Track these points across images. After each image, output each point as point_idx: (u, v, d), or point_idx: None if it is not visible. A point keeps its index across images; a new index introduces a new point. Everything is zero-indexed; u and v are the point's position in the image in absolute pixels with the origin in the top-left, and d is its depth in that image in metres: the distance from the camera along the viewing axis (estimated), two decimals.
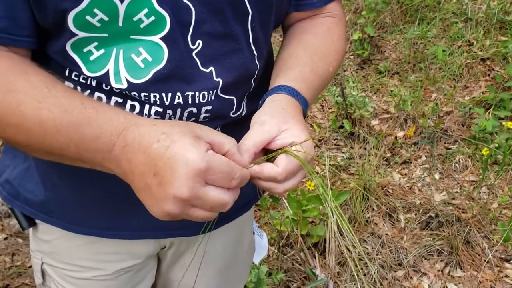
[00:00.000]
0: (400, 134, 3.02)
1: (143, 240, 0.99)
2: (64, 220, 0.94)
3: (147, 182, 0.64)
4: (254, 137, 0.74)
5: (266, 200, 2.27)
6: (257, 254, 1.27)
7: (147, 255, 1.03)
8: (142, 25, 0.75)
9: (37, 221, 0.99)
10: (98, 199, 0.91)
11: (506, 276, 2.17)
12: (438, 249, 2.28)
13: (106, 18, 0.73)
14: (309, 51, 0.91)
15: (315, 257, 2.20)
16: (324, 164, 2.66)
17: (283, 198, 2.34)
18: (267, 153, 0.78)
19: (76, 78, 0.79)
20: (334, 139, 3.03)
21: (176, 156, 0.63)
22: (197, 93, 0.81)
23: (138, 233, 0.95)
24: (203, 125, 0.70)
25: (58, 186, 0.91)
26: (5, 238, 2.38)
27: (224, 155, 0.68)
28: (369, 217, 2.44)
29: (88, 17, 0.72)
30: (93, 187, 0.90)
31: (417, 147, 2.91)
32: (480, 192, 2.56)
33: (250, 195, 1.07)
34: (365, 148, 2.90)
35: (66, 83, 0.79)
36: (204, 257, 1.10)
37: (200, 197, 0.64)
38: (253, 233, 1.25)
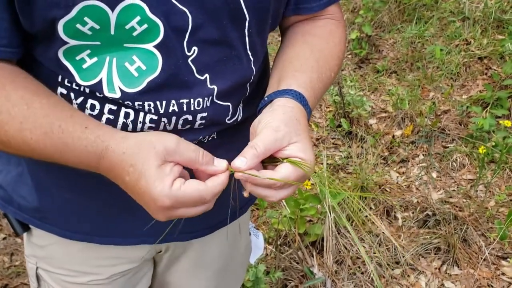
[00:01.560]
0: (398, 133, 3.03)
1: (139, 245, 0.98)
2: (58, 226, 0.94)
3: (135, 198, 0.72)
4: (267, 143, 0.72)
5: None
6: (253, 254, 1.27)
7: (142, 259, 1.03)
8: (135, 33, 0.73)
9: (31, 226, 0.98)
10: (92, 207, 0.91)
11: (503, 274, 2.18)
12: (435, 247, 2.29)
13: (97, 27, 0.72)
14: (314, 54, 0.89)
15: (312, 256, 2.21)
16: (322, 163, 2.67)
17: None
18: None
19: (69, 85, 0.78)
20: (332, 138, 3.04)
21: (144, 193, 0.68)
22: (192, 100, 0.80)
23: (133, 240, 0.95)
24: (171, 136, 0.71)
25: (52, 193, 0.91)
26: (4, 238, 2.38)
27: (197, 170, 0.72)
28: (366, 216, 2.45)
29: (78, 26, 0.71)
30: (88, 195, 0.89)
31: (415, 146, 2.92)
32: (477, 191, 2.57)
33: (245, 198, 1.07)
34: (362, 147, 2.91)
35: (59, 89, 0.79)
36: (200, 260, 1.09)
37: (177, 216, 0.71)
38: (249, 233, 1.26)
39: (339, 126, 3.04)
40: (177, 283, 1.12)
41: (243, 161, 0.71)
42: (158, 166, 0.67)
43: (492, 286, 2.13)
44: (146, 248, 1.01)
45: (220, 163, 0.73)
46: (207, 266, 1.12)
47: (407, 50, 3.59)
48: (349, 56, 3.74)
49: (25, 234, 1.01)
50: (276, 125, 0.74)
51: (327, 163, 2.78)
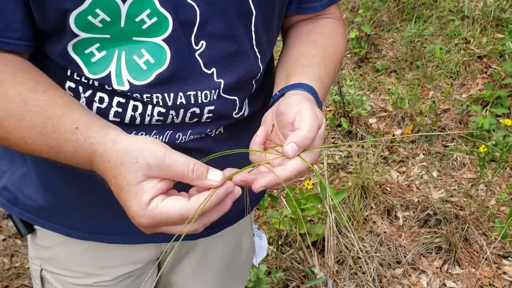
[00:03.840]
0: (398, 132, 3.03)
1: (144, 244, 0.98)
2: (64, 225, 0.94)
3: None
4: (313, 128, 0.72)
5: (265, 199, 2.27)
6: (257, 255, 1.27)
7: (147, 260, 1.02)
8: (144, 26, 0.74)
9: (36, 227, 0.98)
10: (98, 203, 0.91)
11: (504, 273, 2.18)
12: (436, 247, 2.29)
13: (108, 19, 0.72)
14: (320, 51, 0.90)
15: (314, 256, 2.20)
16: (322, 163, 2.66)
17: (281, 197, 2.34)
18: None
19: (78, 79, 0.78)
20: (332, 138, 3.04)
21: (124, 206, 0.66)
22: (199, 92, 0.80)
23: (140, 238, 0.95)
24: (157, 148, 0.65)
25: (60, 191, 0.91)
26: (4, 240, 2.38)
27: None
28: (367, 215, 2.45)
29: (90, 17, 0.71)
30: (95, 192, 0.89)
31: (415, 145, 2.92)
32: (478, 190, 2.57)
33: (250, 198, 1.07)
34: (363, 146, 2.90)
35: (68, 83, 0.79)
36: (204, 261, 1.09)
37: (162, 232, 0.66)
38: (253, 234, 1.25)
39: (339, 125, 3.04)
40: (181, 283, 1.12)
41: (294, 149, 0.70)
42: (138, 183, 0.63)
43: (493, 285, 2.13)
44: (151, 248, 1.00)
45: (214, 176, 0.66)
46: (211, 267, 1.12)
47: (406, 49, 3.59)
48: (349, 55, 3.73)
49: (29, 236, 1.00)
50: (315, 111, 0.74)
51: (327, 163, 2.78)
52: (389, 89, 3.35)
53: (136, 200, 0.63)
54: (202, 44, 0.78)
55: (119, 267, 1.00)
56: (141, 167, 0.64)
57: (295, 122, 0.73)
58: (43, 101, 0.71)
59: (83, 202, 0.91)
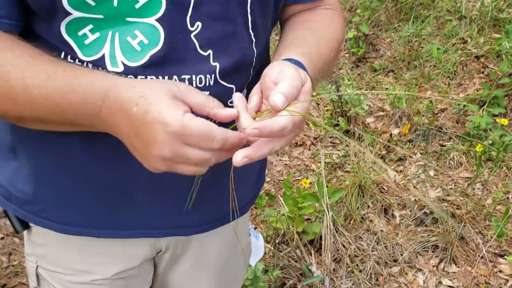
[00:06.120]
0: (395, 131, 3.04)
1: (139, 241, 0.97)
2: (55, 221, 0.93)
3: (133, 143, 0.69)
4: (296, 81, 0.72)
5: (262, 198, 2.28)
6: (253, 256, 1.26)
7: (143, 258, 1.02)
8: (137, 6, 0.74)
9: (31, 224, 0.97)
10: (92, 194, 0.90)
11: (500, 271, 2.19)
12: (432, 245, 2.30)
13: None
14: (314, 35, 0.91)
15: (311, 254, 2.21)
16: (319, 162, 2.67)
17: (279, 195, 2.35)
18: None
19: (72, 61, 0.78)
20: (330, 137, 3.05)
21: (154, 120, 0.65)
22: (193, 76, 0.80)
23: (134, 232, 0.94)
24: (182, 83, 0.71)
25: (51, 179, 0.90)
26: (2, 238, 2.38)
27: (206, 115, 0.70)
28: (364, 214, 2.46)
29: None
30: (88, 180, 0.88)
31: (412, 144, 2.93)
32: (474, 189, 2.58)
33: (246, 197, 1.07)
34: (360, 146, 2.92)
35: None
36: (200, 261, 1.09)
37: (181, 156, 0.67)
38: (249, 234, 1.25)
39: (337, 125, 3.05)
40: (178, 283, 1.12)
41: (282, 99, 0.70)
42: (171, 99, 0.66)
43: (489, 283, 2.14)
44: (146, 245, 1.00)
45: (231, 110, 0.71)
46: (206, 267, 1.11)
47: (404, 49, 3.60)
48: (347, 55, 3.74)
49: (25, 232, 1.00)
50: (299, 71, 0.75)
51: (325, 162, 2.79)
52: (386, 88, 3.36)
53: (171, 111, 0.65)
54: (198, 25, 0.78)
55: (115, 265, 0.99)
56: (172, 89, 0.67)
57: (277, 79, 0.73)
58: (53, 58, 0.72)
59: (75, 191, 0.90)
